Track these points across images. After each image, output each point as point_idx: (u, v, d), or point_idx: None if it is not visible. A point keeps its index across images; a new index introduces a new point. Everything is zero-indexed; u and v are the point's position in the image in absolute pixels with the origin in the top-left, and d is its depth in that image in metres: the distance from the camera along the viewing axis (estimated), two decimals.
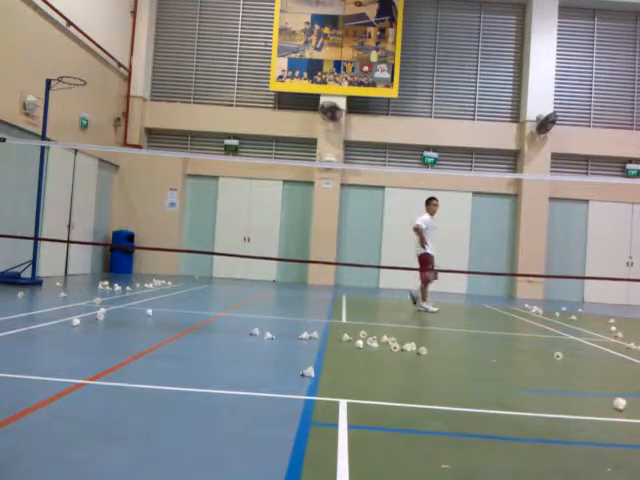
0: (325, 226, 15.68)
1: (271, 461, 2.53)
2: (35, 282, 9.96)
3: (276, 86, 15.99)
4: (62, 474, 2.29)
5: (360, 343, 5.68)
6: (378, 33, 15.80)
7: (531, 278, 15.39)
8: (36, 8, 11.35)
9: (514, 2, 16.48)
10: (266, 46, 16.54)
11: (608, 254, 16.01)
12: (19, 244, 10.64)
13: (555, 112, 15.50)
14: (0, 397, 3.25)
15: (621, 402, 3.79)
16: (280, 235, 16.35)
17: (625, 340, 7.30)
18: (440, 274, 10.05)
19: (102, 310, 6.63)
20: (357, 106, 16.25)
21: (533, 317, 10.08)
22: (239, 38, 16.72)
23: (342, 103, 15.68)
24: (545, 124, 15.39)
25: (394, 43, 15.77)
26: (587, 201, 16.27)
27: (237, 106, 16.59)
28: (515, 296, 15.61)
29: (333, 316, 8.41)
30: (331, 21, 15.87)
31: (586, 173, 16.38)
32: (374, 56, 15.80)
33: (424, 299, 9.76)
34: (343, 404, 3.50)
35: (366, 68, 15.77)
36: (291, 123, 16.21)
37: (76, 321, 5.89)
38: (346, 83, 15.80)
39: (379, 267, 16.10)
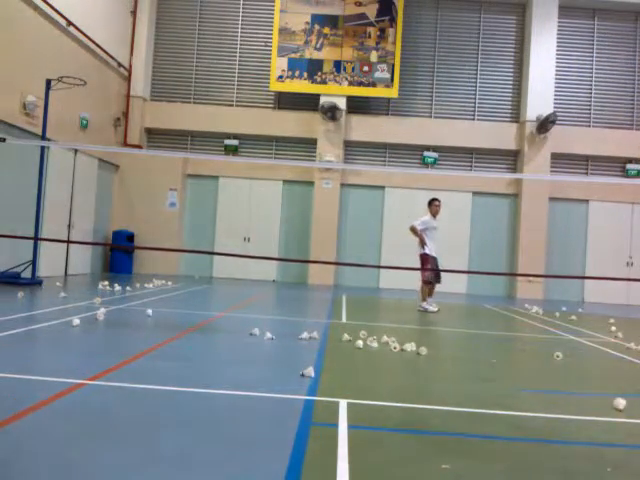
0: (325, 226, 15.68)
1: (271, 461, 2.53)
2: (35, 282, 9.95)
3: (276, 86, 15.99)
4: (62, 474, 2.29)
5: (360, 343, 5.68)
6: (378, 33, 15.80)
7: (531, 278, 15.38)
8: (36, 8, 11.35)
9: (514, 2, 16.48)
10: (266, 46, 16.54)
11: (608, 254, 16.00)
12: (19, 244, 10.63)
13: (555, 112, 15.50)
14: (0, 397, 3.25)
15: (621, 402, 3.79)
16: (280, 235, 16.35)
17: (625, 340, 7.30)
18: (441, 274, 10.00)
19: (102, 310, 6.63)
20: (357, 106, 16.25)
21: (533, 317, 10.07)
22: (239, 38, 16.72)
23: (342, 103, 15.68)
24: (545, 124, 15.39)
25: (394, 43, 15.77)
26: (587, 201, 16.27)
27: (237, 106, 16.59)
28: (515, 296, 15.61)
29: (333, 316, 8.41)
30: (331, 21, 15.87)
31: (586, 173, 16.38)
32: (374, 56, 15.80)
33: (424, 299, 9.77)
34: (343, 404, 3.50)
35: (366, 68, 15.77)
36: (291, 123, 16.21)
37: (76, 321, 5.89)
38: (346, 83, 15.80)
39: (379, 267, 16.10)
